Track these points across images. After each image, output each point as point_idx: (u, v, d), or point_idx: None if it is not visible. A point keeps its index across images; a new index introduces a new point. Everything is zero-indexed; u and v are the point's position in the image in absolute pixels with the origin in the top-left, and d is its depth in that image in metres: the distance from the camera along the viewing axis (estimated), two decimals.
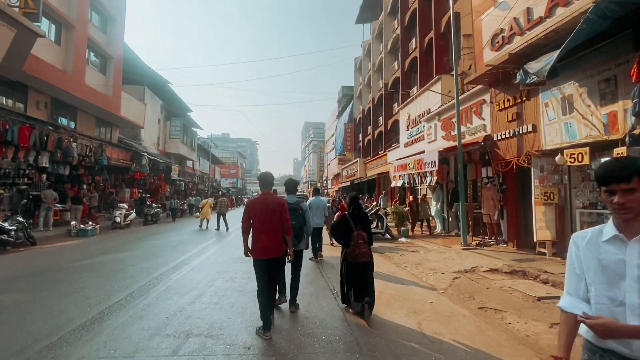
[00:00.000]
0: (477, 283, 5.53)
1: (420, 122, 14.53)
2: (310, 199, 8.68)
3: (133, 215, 15.73)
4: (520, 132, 7.80)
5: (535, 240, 7.19)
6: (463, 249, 8.24)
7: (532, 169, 7.15)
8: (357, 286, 4.09)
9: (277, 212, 3.62)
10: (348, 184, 26.93)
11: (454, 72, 9.37)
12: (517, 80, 6.81)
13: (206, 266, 6.92)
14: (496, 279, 5.67)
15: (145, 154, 18.44)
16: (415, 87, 18.33)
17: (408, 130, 15.89)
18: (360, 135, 30.95)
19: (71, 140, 13.12)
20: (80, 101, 13.35)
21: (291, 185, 4.54)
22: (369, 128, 27.94)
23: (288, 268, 4.21)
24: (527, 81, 6.44)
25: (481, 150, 9.24)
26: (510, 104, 8.05)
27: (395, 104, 21.33)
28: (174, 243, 10.24)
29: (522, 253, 7.60)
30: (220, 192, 38.49)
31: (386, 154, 19.91)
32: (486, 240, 9.01)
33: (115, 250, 8.76)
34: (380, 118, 24.77)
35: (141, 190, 19.76)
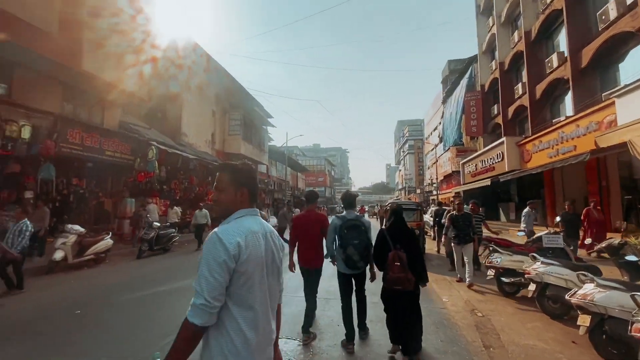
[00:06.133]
0: None
1: None
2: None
3: (107, 242, 8.90)
4: None
5: None
6: None
7: None
8: (395, 323, 3.27)
9: (318, 226, 3.84)
10: (488, 182, 15.67)
11: None
12: None
13: None
14: None
15: (154, 143, 11.70)
16: None
17: None
18: (497, 107, 19.33)
19: None
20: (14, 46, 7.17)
21: (348, 199, 3.92)
22: (518, 87, 16.37)
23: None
24: None
25: None
26: None
27: (610, 5, 9.89)
28: None
29: None
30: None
31: (612, 102, 8.68)
32: None
33: None
34: (553, 57, 13.27)
35: (168, 200, 13.28)
